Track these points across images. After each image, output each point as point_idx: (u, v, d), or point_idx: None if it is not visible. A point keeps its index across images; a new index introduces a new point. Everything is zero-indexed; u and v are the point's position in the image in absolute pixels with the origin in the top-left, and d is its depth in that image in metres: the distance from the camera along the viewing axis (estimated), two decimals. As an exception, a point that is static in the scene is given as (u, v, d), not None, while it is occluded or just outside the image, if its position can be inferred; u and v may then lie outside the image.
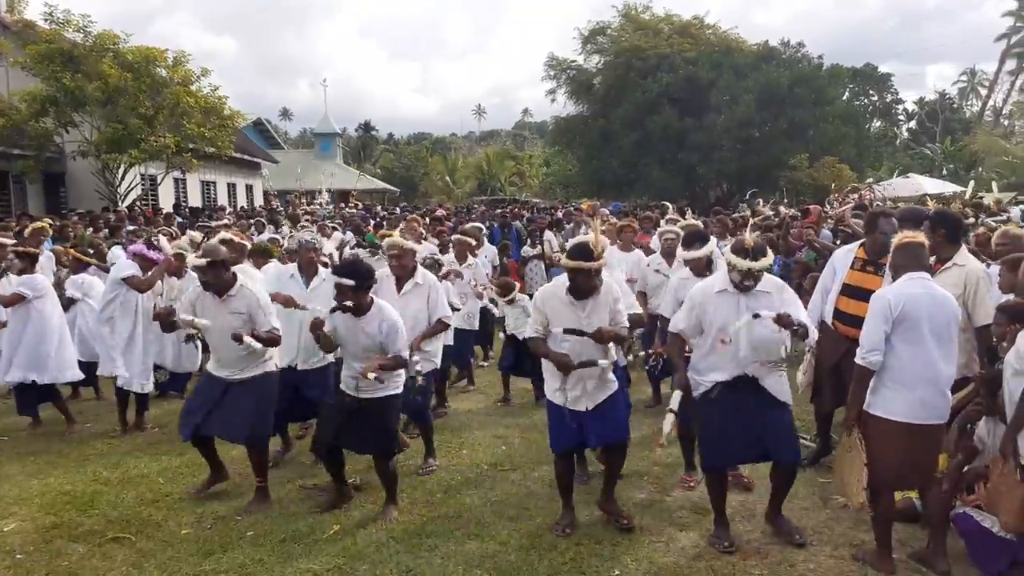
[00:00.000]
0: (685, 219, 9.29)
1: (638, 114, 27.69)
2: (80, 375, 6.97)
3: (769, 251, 4.35)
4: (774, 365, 4.25)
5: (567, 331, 4.30)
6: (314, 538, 4.52)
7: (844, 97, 32.00)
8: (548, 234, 12.57)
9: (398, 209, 22.44)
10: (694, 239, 5.34)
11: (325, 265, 6.20)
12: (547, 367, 4.53)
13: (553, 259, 12.06)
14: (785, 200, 18.75)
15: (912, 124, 54.70)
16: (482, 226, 9.85)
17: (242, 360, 4.93)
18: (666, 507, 4.94)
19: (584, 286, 4.29)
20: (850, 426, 4.03)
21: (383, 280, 5.45)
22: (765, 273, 4.29)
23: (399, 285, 5.55)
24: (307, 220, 14.59)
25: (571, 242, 4.57)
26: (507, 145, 70.82)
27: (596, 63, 31.35)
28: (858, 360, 3.90)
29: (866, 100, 47.34)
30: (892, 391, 3.85)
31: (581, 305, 4.34)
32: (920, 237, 4.06)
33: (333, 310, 4.64)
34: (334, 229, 11.85)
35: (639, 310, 5.08)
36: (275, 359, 5.09)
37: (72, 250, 8.00)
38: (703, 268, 5.18)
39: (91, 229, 12.76)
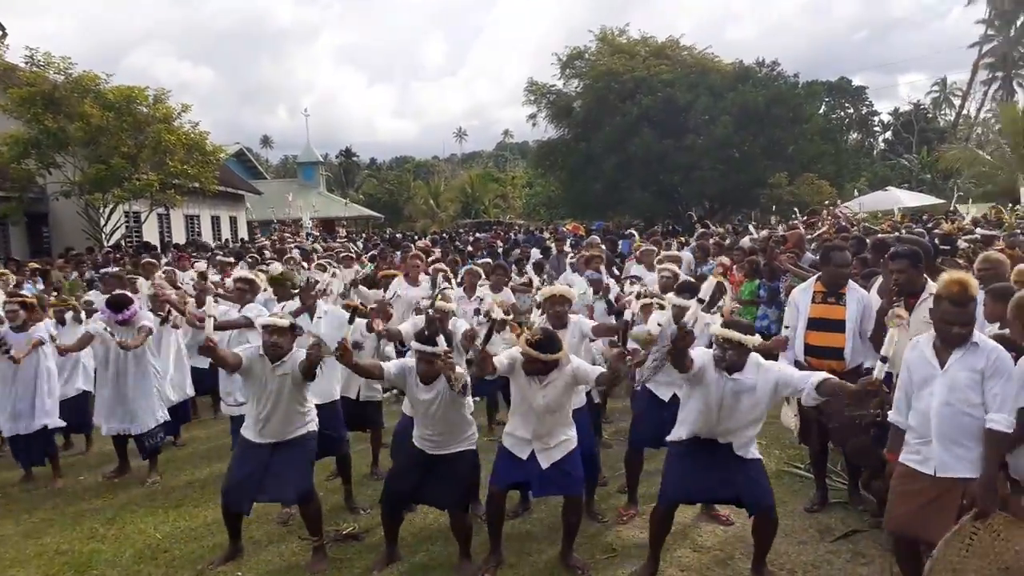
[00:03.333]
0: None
1: (619, 137, 27.93)
2: (60, 422, 6.89)
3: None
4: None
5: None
6: (316, 592, 4.52)
7: (821, 111, 32.46)
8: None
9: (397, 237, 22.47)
10: (684, 289, 5.34)
11: None
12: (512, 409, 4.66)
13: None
14: (755, 221, 18.87)
15: (888, 135, 55.66)
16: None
17: (289, 425, 4.82)
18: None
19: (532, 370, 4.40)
20: (989, 506, 3.40)
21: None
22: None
23: None
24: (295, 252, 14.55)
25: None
26: (489, 167, 71.18)
27: (575, 87, 31.63)
28: (1006, 428, 3.43)
29: (842, 113, 48.14)
30: None
31: (539, 380, 4.43)
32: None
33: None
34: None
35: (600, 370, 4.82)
36: (315, 421, 5.02)
37: (54, 301, 7.92)
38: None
39: (75, 273, 12.72)
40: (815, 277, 5.44)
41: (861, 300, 5.16)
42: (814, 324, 5.18)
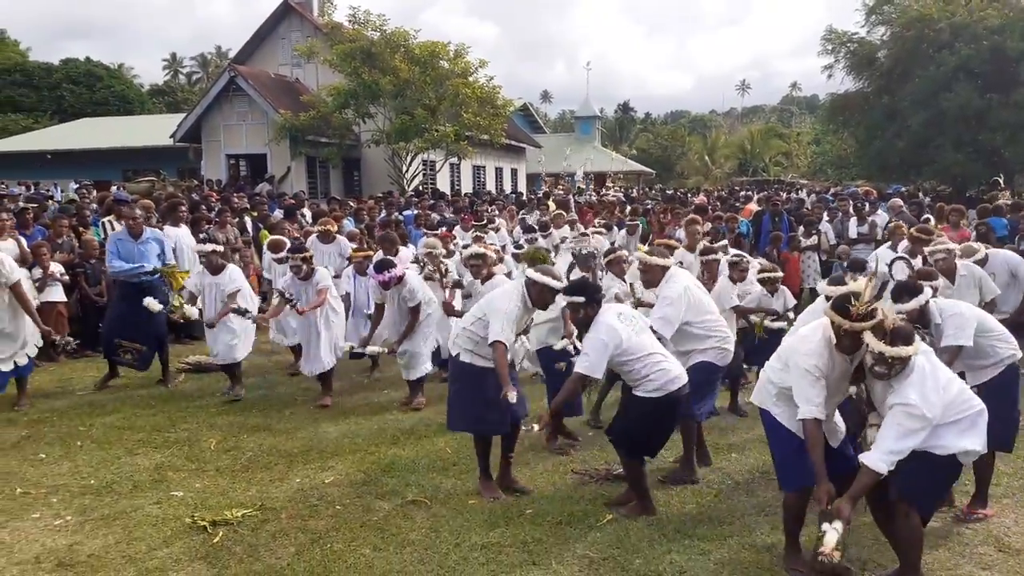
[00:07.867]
0: None
1: (930, 90, 24.82)
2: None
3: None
4: None
5: None
6: (588, 524, 4.72)
7: None
8: (825, 224, 11.83)
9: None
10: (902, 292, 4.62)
11: None
12: None
13: (833, 252, 11.30)
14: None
15: None
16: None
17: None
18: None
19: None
20: None
21: None
22: None
23: None
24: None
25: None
26: (772, 122, 67.27)
27: (881, 35, 28.50)
28: None
29: None
30: None
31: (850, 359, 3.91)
32: None
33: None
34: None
35: None
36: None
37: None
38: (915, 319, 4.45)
39: (383, 212, 14.11)
40: None
41: None
42: None
